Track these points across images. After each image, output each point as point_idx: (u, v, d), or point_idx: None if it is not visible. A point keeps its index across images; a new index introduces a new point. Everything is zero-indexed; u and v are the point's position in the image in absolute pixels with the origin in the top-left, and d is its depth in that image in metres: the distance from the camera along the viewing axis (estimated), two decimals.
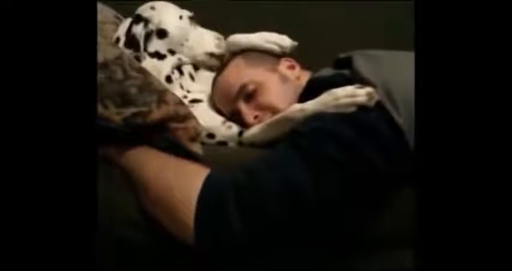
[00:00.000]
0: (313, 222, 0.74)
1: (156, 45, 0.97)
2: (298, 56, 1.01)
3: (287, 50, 0.99)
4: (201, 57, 1.01)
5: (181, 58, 1.00)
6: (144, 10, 1.00)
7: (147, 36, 0.97)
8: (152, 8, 1.00)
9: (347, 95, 0.77)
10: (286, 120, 0.82)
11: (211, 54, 1.00)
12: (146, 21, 0.98)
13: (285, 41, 0.99)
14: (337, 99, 0.77)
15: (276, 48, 0.99)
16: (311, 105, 0.80)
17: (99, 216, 0.75)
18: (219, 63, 1.01)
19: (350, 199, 0.74)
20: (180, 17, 1.00)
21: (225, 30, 1.04)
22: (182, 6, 1.03)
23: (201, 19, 1.04)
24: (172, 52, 0.99)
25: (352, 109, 0.76)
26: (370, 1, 1.31)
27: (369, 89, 0.77)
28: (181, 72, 1.01)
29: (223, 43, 1.01)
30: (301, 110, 0.80)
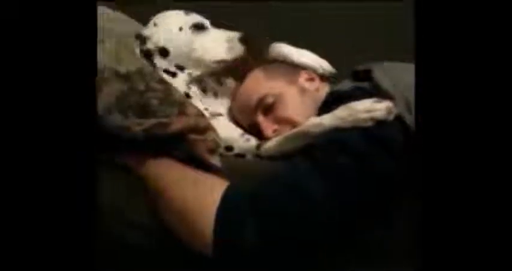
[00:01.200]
0: (329, 233, 0.73)
1: (162, 63, 0.95)
2: None
3: (326, 74, 1.01)
4: (212, 67, 0.95)
5: (191, 73, 0.96)
6: (146, 28, 0.98)
7: (148, 55, 0.95)
8: (155, 24, 0.97)
9: (365, 110, 0.77)
10: (304, 134, 0.82)
11: (223, 61, 0.95)
12: (145, 39, 0.95)
13: (327, 66, 1.01)
14: (355, 113, 0.77)
15: (320, 69, 1.00)
16: (328, 120, 0.80)
17: (111, 222, 0.77)
18: (234, 66, 0.97)
19: (364, 211, 0.73)
20: (180, 29, 0.95)
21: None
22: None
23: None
24: (181, 68, 0.96)
25: (370, 124, 0.76)
26: (371, 1, 1.31)
27: (387, 103, 0.76)
28: (204, 90, 1.00)
29: (236, 44, 0.94)
30: (319, 125, 0.80)
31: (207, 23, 0.97)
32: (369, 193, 0.72)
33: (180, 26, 0.95)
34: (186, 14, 0.97)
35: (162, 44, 0.95)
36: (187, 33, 0.95)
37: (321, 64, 1.01)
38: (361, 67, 0.95)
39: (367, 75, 0.89)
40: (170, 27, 0.96)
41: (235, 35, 0.94)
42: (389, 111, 0.76)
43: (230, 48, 0.94)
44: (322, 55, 1.03)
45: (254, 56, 0.97)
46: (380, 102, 0.77)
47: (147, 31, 0.96)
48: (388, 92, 0.80)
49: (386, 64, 0.90)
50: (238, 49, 0.94)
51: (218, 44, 0.94)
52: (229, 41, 0.94)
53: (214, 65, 0.95)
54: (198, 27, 0.95)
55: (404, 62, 0.87)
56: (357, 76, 0.95)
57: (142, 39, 0.95)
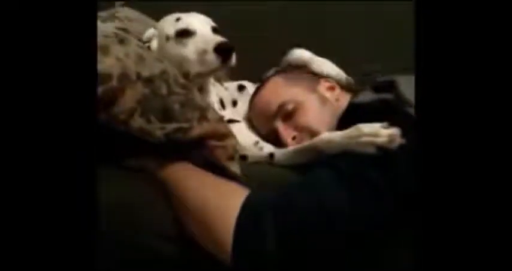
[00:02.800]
0: (350, 245, 0.73)
1: None
2: None
3: (344, 83, 1.01)
4: (196, 77, 0.89)
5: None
6: (147, 31, 0.95)
7: None
8: (154, 28, 0.96)
9: (370, 134, 0.75)
10: (315, 148, 0.82)
11: (200, 74, 0.89)
12: (144, 43, 0.93)
13: (345, 75, 1.00)
14: (360, 135, 0.76)
15: (340, 77, 1.00)
16: (338, 138, 0.79)
17: (134, 228, 0.77)
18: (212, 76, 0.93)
19: (386, 221, 0.73)
20: (167, 39, 0.91)
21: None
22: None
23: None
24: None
25: (372, 149, 0.74)
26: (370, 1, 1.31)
27: (392, 131, 0.74)
28: (222, 105, 0.99)
29: (210, 55, 0.85)
30: (329, 142, 0.80)
31: (193, 26, 0.90)
32: (393, 206, 0.72)
33: (167, 35, 0.91)
34: (177, 20, 0.92)
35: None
36: (173, 43, 0.91)
37: (340, 73, 1.01)
38: (383, 78, 0.94)
39: (389, 87, 0.88)
40: (161, 36, 0.93)
41: (211, 45, 0.86)
42: (391, 139, 0.74)
43: (203, 61, 0.87)
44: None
45: (229, 66, 0.88)
46: (387, 128, 0.75)
47: (147, 34, 0.94)
48: (412, 103, 0.80)
49: (410, 76, 0.89)
50: (212, 61, 0.86)
51: (195, 56, 0.88)
52: (203, 52, 0.87)
53: (196, 76, 0.89)
54: (183, 35, 0.90)
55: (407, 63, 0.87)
56: (378, 87, 0.94)
57: (142, 42, 0.93)
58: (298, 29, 1.31)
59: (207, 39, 0.88)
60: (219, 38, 0.87)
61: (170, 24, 0.92)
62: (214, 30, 0.92)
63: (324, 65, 1.01)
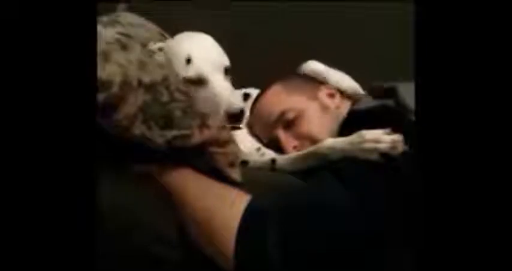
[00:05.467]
0: (353, 248, 0.73)
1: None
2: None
3: (357, 96, 1.02)
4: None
5: None
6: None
7: None
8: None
9: (372, 140, 0.75)
10: (317, 154, 0.82)
11: (188, 80, 0.85)
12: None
13: (359, 89, 1.01)
14: (363, 142, 0.76)
15: (352, 92, 1.01)
16: (341, 144, 0.79)
17: (134, 233, 0.77)
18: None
19: (392, 225, 0.73)
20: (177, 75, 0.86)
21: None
22: None
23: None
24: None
25: (375, 156, 0.74)
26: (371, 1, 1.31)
27: (395, 137, 0.75)
28: None
29: (198, 63, 0.84)
30: (331, 148, 0.80)
31: (205, 73, 0.85)
32: (396, 207, 0.71)
33: (177, 74, 0.84)
34: (187, 62, 0.86)
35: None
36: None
37: (354, 88, 1.01)
38: (384, 85, 0.94)
39: (389, 93, 0.89)
40: (170, 64, 0.86)
41: (223, 107, 0.82)
42: (394, 146, 0.74)
43: (212, 115, 0.81)
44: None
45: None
46: (389, 134, 0.75)
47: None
48: (413, 110, 0.80)
49: (410, 83, 0.89)
50: (221, 120, 0.82)
51: (204, 107, 0.82)
52: (214, 110, 0.82)
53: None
54: (194, 82, 0.85)
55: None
56: (376, 93, 0.94)
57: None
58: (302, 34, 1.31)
59: (220, 95, 0.83)
60: (233, 103, 0.82)
61: (180, 65, 0.86)
62: (226, 71, 0.87)
63: (342, 80, 1.01)
